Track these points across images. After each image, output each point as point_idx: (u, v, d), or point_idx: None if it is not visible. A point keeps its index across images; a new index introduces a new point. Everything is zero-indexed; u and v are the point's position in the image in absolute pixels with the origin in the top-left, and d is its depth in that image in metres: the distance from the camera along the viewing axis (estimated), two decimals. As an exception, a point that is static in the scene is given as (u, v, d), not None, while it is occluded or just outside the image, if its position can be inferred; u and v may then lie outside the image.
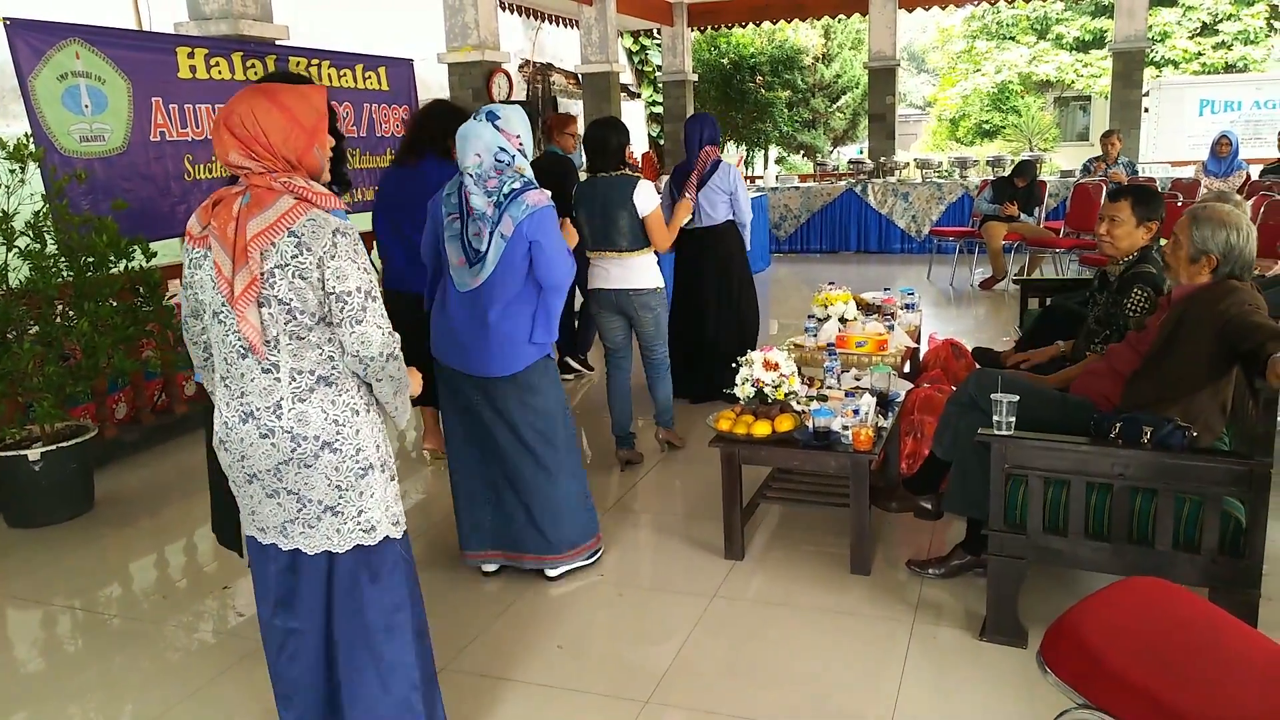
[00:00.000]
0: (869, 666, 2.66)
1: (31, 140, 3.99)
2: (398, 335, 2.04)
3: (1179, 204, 7.05)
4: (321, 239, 1.90)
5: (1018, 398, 2.64)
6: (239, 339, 1.95)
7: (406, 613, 2.17)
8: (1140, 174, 9.43)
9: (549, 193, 3.02)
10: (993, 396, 2.64)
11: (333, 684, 2.18)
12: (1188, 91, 15.99)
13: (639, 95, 17.41)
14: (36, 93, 4.28)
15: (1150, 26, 14.99)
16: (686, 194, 4.82)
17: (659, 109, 16.12)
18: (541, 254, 2.94)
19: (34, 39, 4.28)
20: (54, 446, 3.93)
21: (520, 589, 3.20)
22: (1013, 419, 2.62)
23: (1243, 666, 1.72)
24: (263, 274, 1.89)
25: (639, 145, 16.04)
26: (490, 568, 3.30)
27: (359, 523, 2.06)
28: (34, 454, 3.88)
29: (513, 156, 2.96)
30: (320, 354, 1.98)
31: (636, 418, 4.44)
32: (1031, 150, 18.01)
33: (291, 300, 1.91)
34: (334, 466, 2.01)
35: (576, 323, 5.90)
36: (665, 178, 5.89)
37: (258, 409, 1.97)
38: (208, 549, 3.58)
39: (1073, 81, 21.24)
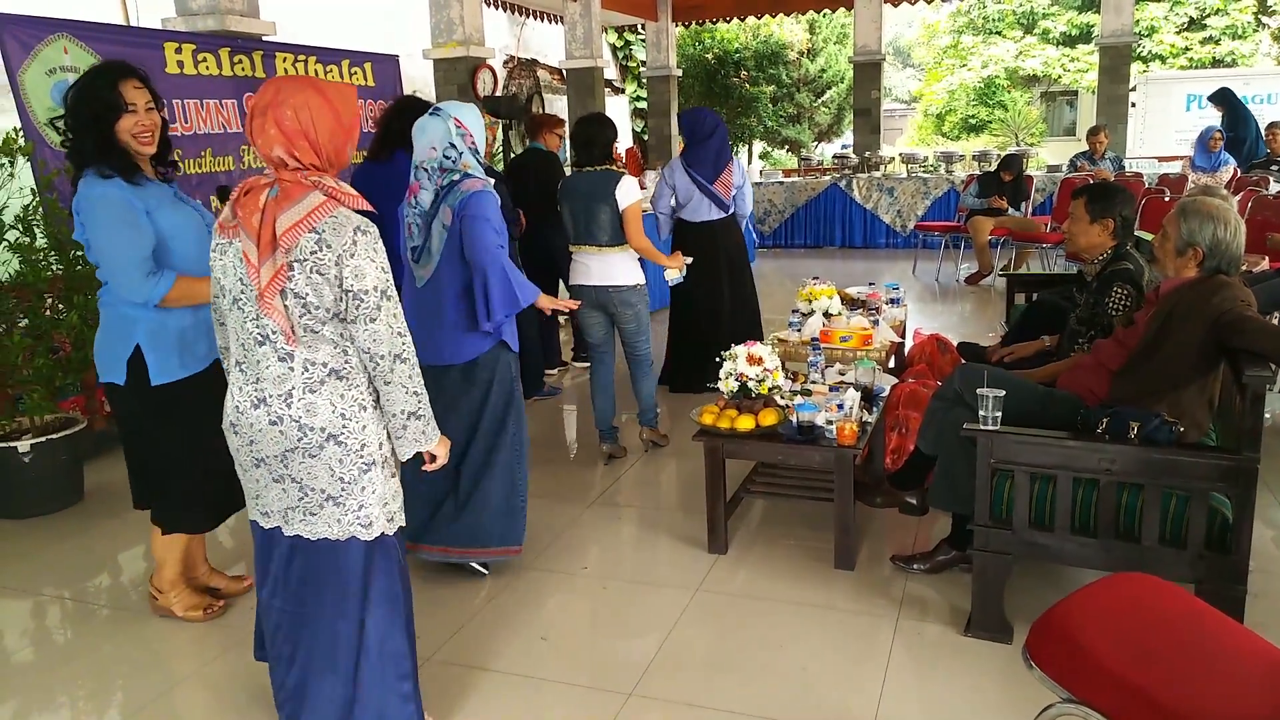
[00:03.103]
0: (853, 661, 2.68)
1: (21, 134, 3.98)
2: (408, 338, 2.07)
3: (1165, 199, 7.10)
4: (342, 236, 1.94)
5: (1004, 392, 2.66)
6: (257, 327, 2.00)
7: (398, 605, 2.21)
8: (1127, 169, 9.49)
9: (490, 180, 3.08)
10: (979, 391, 2.66)
11: (310, 659, 2.22)
12: (1175, 86, 16.04)
13: (623, 91, 17.37)
14: (25, 87, 4.26)
15: (1137, 21, 15.03)
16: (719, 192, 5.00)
17: (643, 104, 16.11)
18: (468, 225, 2.96)
19: (22, 33, 4.27)
20: (44, 439, 3.94)
21: (504, 579, 3.21)
22: (999, 414, 2.64)
23: (1229, 662, 1.73)
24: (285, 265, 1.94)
25: (624, 141, 16.02)
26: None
27: (358, 516, 2.10)
28: (24, 446, 3.89)
29: (460, 154, 3.02)
30: (334, 348, 2.02)
31: (621, 413, 4.46)
32: (1018, 145, 18.07)
33: (308, 295, 1.95)
34: (338, 459, 2.05)
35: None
36: (651, 172, 5.90)
37: (270, 396, 2.02)
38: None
39: (1059, 76, 21.28)
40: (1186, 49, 19.32)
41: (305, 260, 1.93)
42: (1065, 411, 2.86)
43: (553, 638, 2.86)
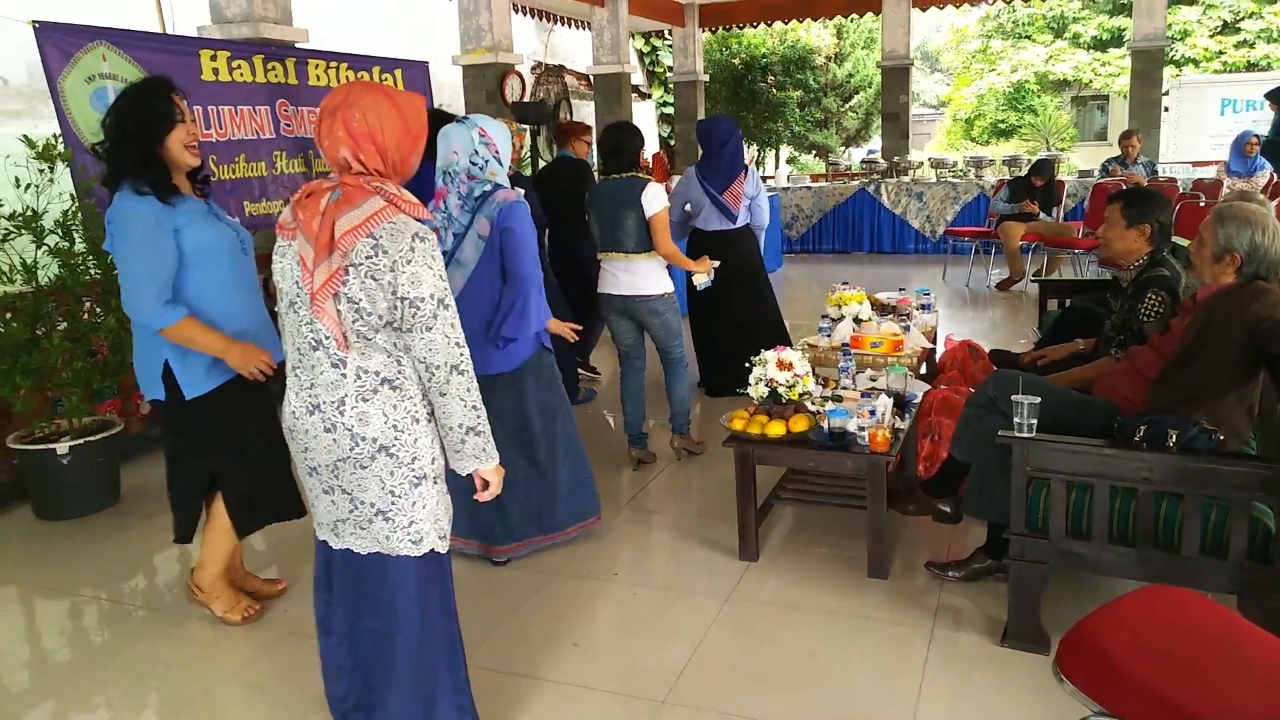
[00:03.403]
0: (887, 670, 2.66)
1: (60, 140, 4.04)
2: (466, 349, 2.02)
3: (1201, 205, 7.01)
4: (399, 243, 1.90)
5: (1039, 400, 2.63)
6: (312, 331, 1.98)
7: (452, 618, 2.22)
8: (1160, 174, 9.38)
9: (521, 191, 3.13)
10: (1014, 398, 2.64)
11: (370, 674, 2.23)
12: (1209, 91, 15.86)
13: (650, 96, 17.40)
14: (65, 94, 4.32)
15: (1170, 25, 14.88)
16: (729, 203, 4.98)
17: (669, 109, 16.12)
18: (510, 239, 3.03)
19: (62, 41, 4.33)
20: (82, 441, 4.00)
21: (535, 585, 3.22)
22: (1034, 421, 2.61)
23: (1262, 674, 1.70)
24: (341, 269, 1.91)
25: (650, 146, 16.05)
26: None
27: (408, 532, 2.07)
28: (62, 448, 3.95)
29: (486, 162, 3.06)
30: (387, 357, 1.98)
31: (650, 418, 4.46)
32: (1049, 150, 17.89)
33: (361, 300, 1.91)
34: (389, 471, 2.01)
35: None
36: (678, 177, 5.90)
37: (324, 402, 1.99)
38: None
39: (1090, 81, 21.09)
40: (1220, 53, 19.07)
41: (360, 265, 1.90)
42: (1101, 419, 2.83)
43: (584, 644, 2.86)
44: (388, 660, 2.16)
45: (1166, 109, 13.73)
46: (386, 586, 2.11)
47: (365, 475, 2.01)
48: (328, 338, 1.96)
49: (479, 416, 2.05)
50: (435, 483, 2.09)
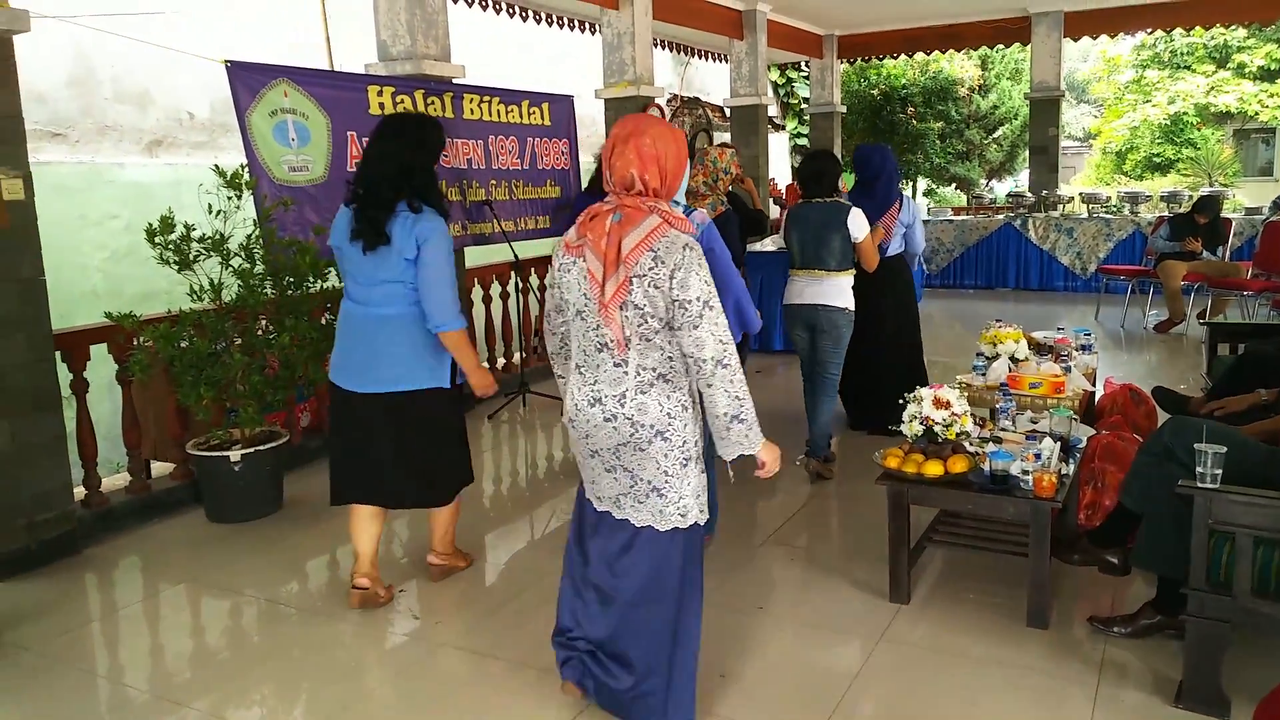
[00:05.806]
0: (1051, 724, 2.54)
1: (246, 170, 4.33)
2: (732, 345, 2.24)
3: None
4: (674, 254, 2.20)
5: (1225, 449, 2.48)
6: (598, 335, 2.26)
7: (699, 588, 2.46)
8: (1339, 212, 8.72)
9: (708, 214, 3.30)
10: (1197, 447, 2.49)
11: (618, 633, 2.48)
12: (1392, 123, 14.69)
13: (784, 127, 17.34)
14: (252, 127, 4.64)
15: (1348, 54, 13.88)
16: (882, 227, 5.00)
17: (803, 140, 16.04)
18: (711, 258, 3.14)
19: (250, 79, 4.66)
20: (252, 449, 4.25)
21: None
22: (1219, 471, 2.46)
23: None
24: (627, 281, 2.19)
25: (783, 178, 15.98)
26: None
27: (677, 507, 2.33)
28: (235, 455, 4.21)
29: None
30: (662, 354, 2.25)
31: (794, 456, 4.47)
32: (1211, 185, 16.89)
33: (645, 306, 2.19)
34: (664, 453, 2.28)
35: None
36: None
37: (606, 396, 2.27)
38: (381, 553, 3.74)
39: (1257, 113, 19.84)
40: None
41: (644, 276, 2.18)
42: (1292, 472, 2.64)
43: (731, 676, 2.83)
44: (645, 629, 2.41)
45: (1346, 142, 12.77)
46: (653, 559, 2.37)
47: (644, 456, 2.28)
48: (613, 341, 2.23)
49: (742, 406, 2.26)
50: (697, 463, 2.36)
